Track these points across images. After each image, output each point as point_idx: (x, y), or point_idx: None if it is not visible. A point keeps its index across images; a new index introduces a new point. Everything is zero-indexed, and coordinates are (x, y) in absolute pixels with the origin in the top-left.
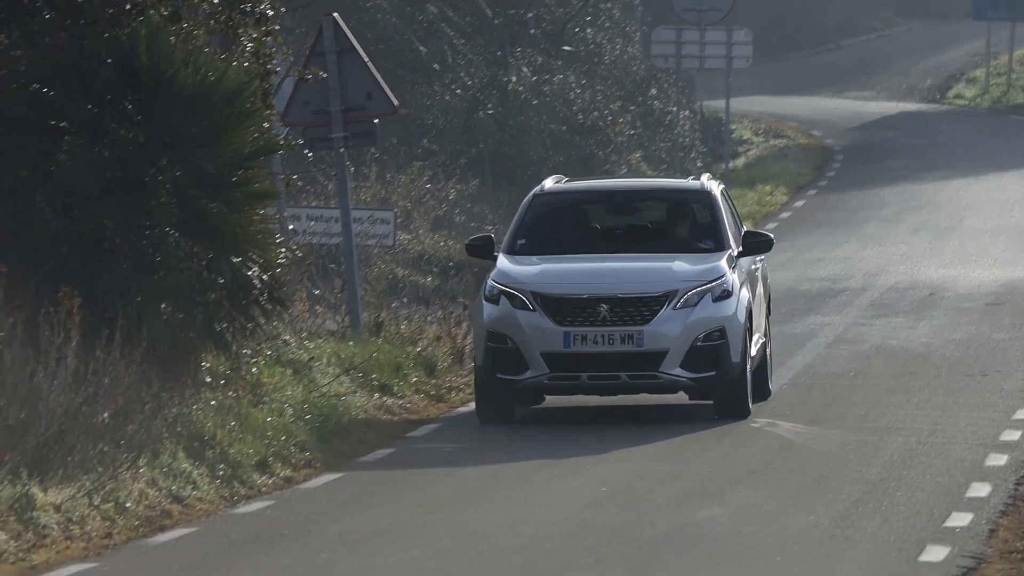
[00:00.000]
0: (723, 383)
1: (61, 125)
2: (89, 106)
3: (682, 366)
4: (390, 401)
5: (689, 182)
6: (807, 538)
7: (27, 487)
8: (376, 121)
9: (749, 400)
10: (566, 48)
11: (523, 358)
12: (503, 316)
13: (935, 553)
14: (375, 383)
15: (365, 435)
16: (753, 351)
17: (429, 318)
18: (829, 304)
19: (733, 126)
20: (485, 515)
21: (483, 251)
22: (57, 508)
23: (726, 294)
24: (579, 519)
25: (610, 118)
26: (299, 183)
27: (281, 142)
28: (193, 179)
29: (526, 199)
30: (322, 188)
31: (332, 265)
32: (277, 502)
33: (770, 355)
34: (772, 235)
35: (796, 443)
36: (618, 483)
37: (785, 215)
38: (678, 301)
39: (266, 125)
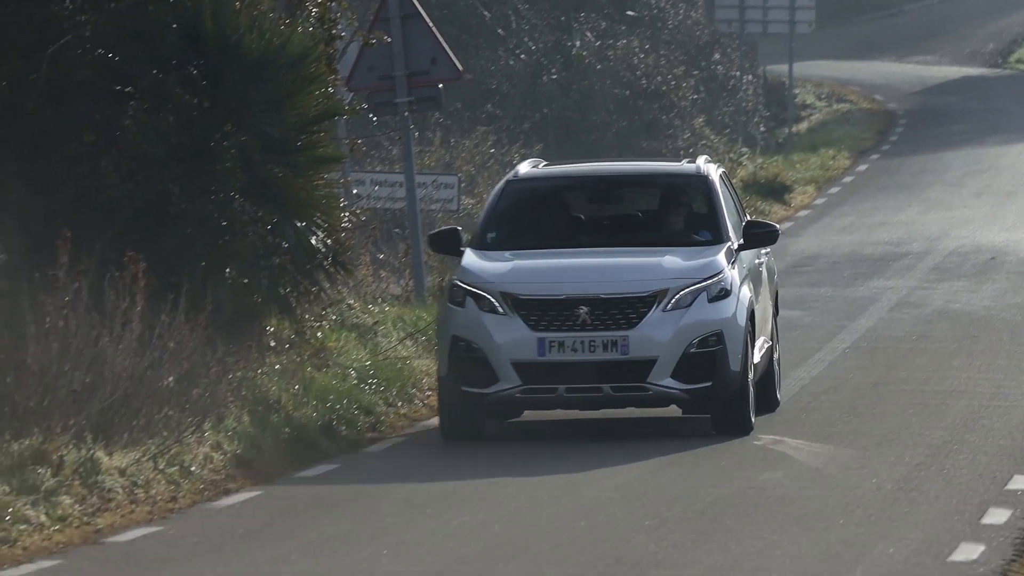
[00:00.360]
0: (721, 395)
1: (126, 90)
2: (154, 71)
3: (673, 376)
4: None
5: (684, 165)
6: (870, 501)
7: (92, 451)
8: (440, 86)
9: (752, 414)
10: (630, 13)
11: (491, 368)
12: (469, 320)
13: (997, 516)
14: None
15: (429, 399)
16: (756, 358)
17: None
18: (892, 268)
19: (796, 91)
20: (549, 479)
21: (448, 245)
22: (122, 472)
23: (724, 293)
24: (641, 483)
25: (673, 83)
26: (363, 148)
27: (346, 107)
28: (258, 144)
29: (498, 186)
30: (386, 153)
31: (396, 230)
32: (341, 466)
33: (778, 361)
34: (777, 225)
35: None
36: (680, 446)
37: (848, 179)
38: (669, 302)
39: (330, 90)
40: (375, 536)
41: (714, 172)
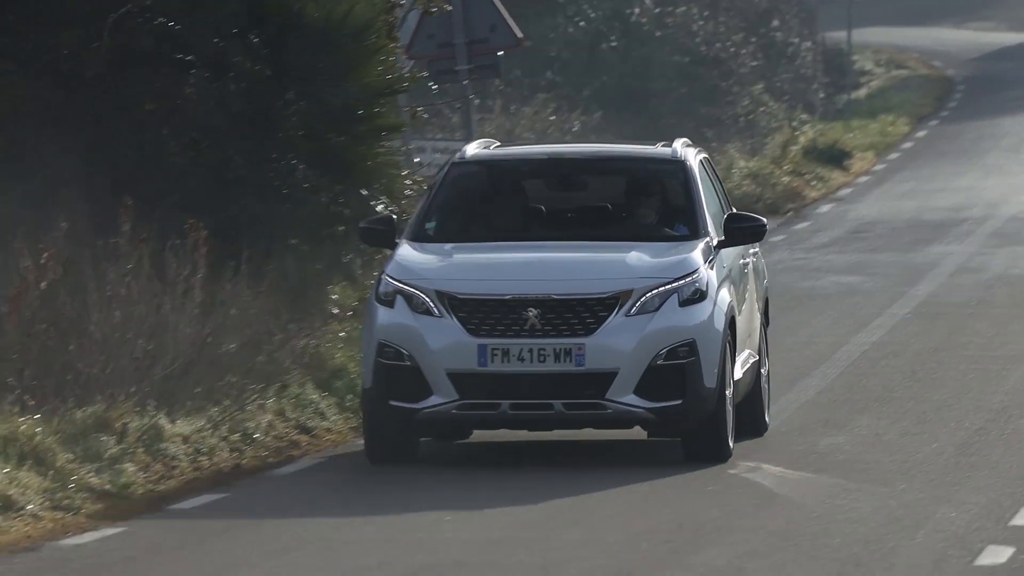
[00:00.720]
0: (692, 415)
1: (187, 59)
2: (216, 40)
3: (637, 392)
4: None
5: (658, 149)
6: (931, 466)
7: (155, 419)
8: (500, 54)
9: (730, 438)
10: None
11: (424, 379)
12: (399, 323)
13: None
14: None
15: None
16: (738, 373)
17: None
18: (951, 234)
19: (855, 57)
20: (613, 446)
21: (381, 237)
22: (185, 439)
23: (698, 296)
24: None
25: (732, 49)
26: (424, 116)
27: (406, 75)
28: (320, 113)
29: (441, 168)
30: (447, 120)
31: None
32: None
33: (767, 378)
34: (764, 219)
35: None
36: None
37: (907, 145)
38: (633, 305)
39: (392, 59)
40: (437, 502)
41: (692, 157)
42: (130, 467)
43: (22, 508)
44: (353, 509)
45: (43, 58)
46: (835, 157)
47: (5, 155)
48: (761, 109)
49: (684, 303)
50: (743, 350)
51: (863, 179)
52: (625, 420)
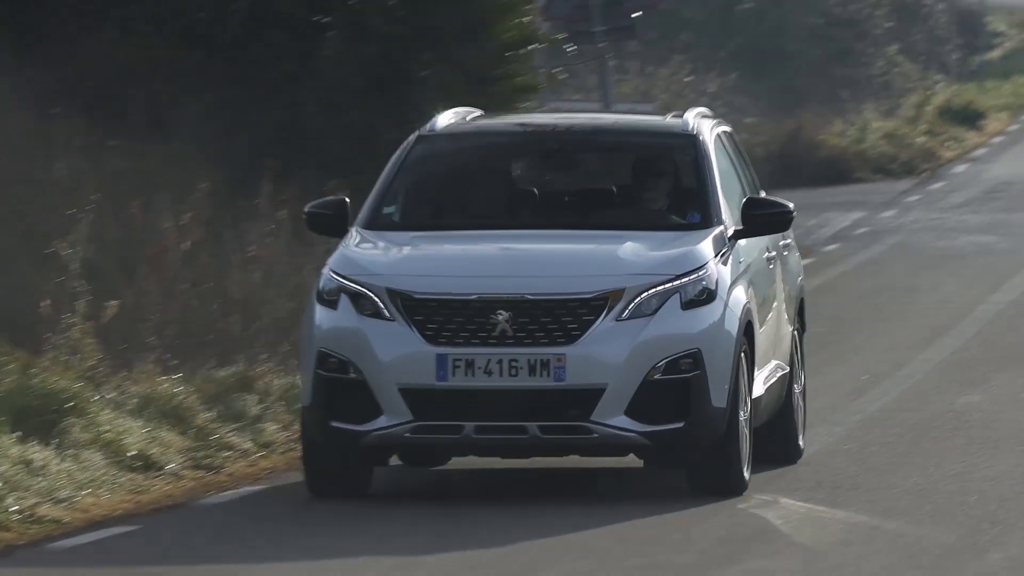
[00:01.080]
0: (697, 441)
1: (324, 21)
2: (351, 2)
3: (629, 413)
4: None
5: (667, 121)
6: None
7: (297, 377)
8: (635, 15)
9: (745, 468)
10: None
11: (372, 396)
12: (343, 328)
13: None
14: None
15: None
16: (759, 389)
17: None
18: None
19: (988, 18)
20: None
21: (331, 224)
22: None
23: (706, 296)
24: (841, 407)
25: (866, 11)
26: (562, 76)
27: (542, 36)
28: (456, 73)
29: (405, 144)
30: (584, 82)
31: None
32: None
33: (803, 394)
34: (791, 205)
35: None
36: (880, 370)
37: None
38: (625, 307)
39: (525, 20)
40: (574, 475)
41: (708, 130)
42: (271, 426)
43: (163, 467)
44: (492, 463)
45: (181, 20)
46: (969, 117)
47: (145, 118)
48: (895, 70)
49: (688, 305)
50: (767, 362)
51: (997, 139)
52: (615, 446)
